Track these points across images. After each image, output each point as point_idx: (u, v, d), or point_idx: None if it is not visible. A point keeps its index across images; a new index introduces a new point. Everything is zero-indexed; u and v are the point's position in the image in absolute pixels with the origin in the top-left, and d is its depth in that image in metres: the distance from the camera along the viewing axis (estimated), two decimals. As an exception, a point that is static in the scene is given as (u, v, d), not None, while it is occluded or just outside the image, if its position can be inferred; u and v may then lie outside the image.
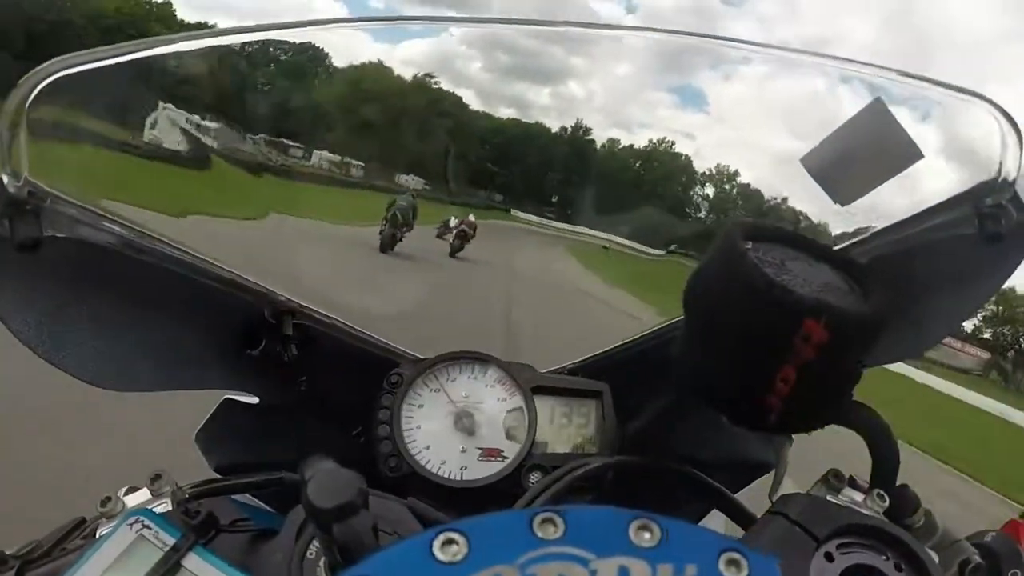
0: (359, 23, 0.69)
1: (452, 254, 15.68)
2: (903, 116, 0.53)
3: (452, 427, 0.65)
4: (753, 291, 0.37)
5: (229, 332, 0.61)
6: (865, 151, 0.56)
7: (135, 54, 0.49)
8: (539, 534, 0.26)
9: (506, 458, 0.64)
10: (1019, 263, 0.52)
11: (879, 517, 0.40)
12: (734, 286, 0.38)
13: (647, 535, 0.27)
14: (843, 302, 0.37)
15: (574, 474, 0.52)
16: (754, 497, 0.60)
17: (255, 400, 0.66)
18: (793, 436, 0.58)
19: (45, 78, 0.43)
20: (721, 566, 0.27)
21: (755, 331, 0.38)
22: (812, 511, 0.39)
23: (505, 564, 0.25)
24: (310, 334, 0.64)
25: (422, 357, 0.70)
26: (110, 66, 0.48)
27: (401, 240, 12.75)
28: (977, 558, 0.40)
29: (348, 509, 0.31)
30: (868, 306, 0.38)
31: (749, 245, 0.39)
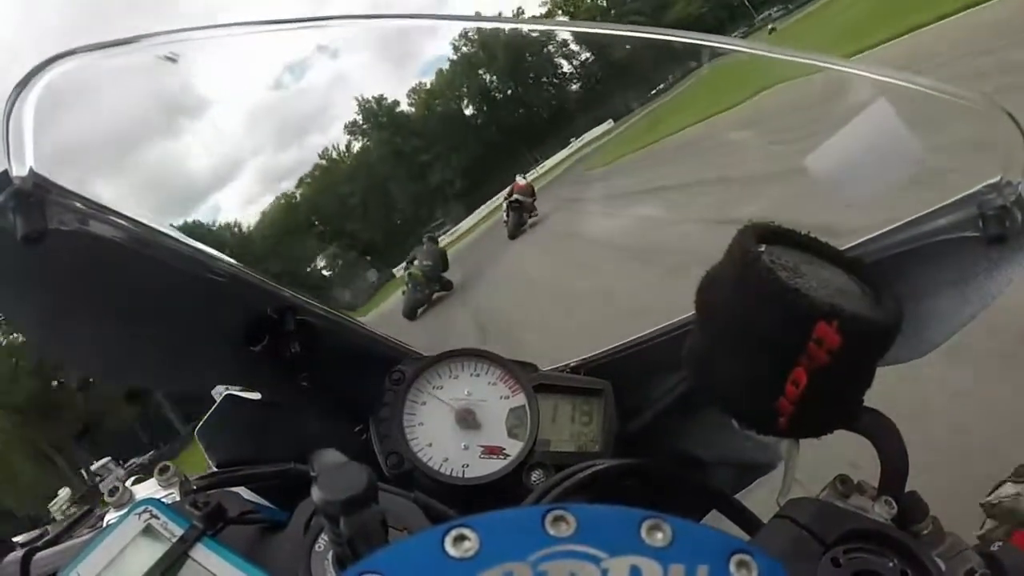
0: (366, 19, 0.68)
1: (512, 236, 13.77)
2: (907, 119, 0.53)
3: (454, 424, 0.65)
4: (767, 294, 0.37)
5: (232, 328, 0.61)
6: (869, 153, 0.56)
7: (140, 45, 0.49)
8: (551, 531, 0.26)
9: (508, 456, 0.64)
10: (1023, 265, 0.53)
11: (887, 523, 0.40)
12: (747, 289, 0.38)
13: (659, 535, 0.27)
14: (856, 306, 0.37)
15: (582, 474, 0.52)
16: (759, 501, 0.60)
17: (257, 396, 0.66)
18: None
19: (51, 69, 0.43)
20: (732, 567, 0.27)
21: (768, 334, 0.37)
22: (820, 516, 0.39)
23: (517, 561, 0.25)
24: (313, 330, 0.64)
25: (424, 354, 0.69)
26: (115, 57, 0.47)
27: (431, 300, 11.12)
28: (983, 567, 0.40)
29: (358, 502, 0.31)
30: (881, 311, 0.38)
31: (763, 248, 0.39)
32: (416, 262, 11.46)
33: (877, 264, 0.54)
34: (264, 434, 0.68)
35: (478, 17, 0.63)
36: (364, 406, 0.67)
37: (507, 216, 14.47)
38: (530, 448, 0.64)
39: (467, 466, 0.63)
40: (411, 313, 11.08)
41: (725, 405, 0.42)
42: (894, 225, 0.55)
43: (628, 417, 0.71)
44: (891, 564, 0.38)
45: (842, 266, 0.42)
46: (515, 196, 14.37)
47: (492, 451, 0.64)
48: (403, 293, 11.64)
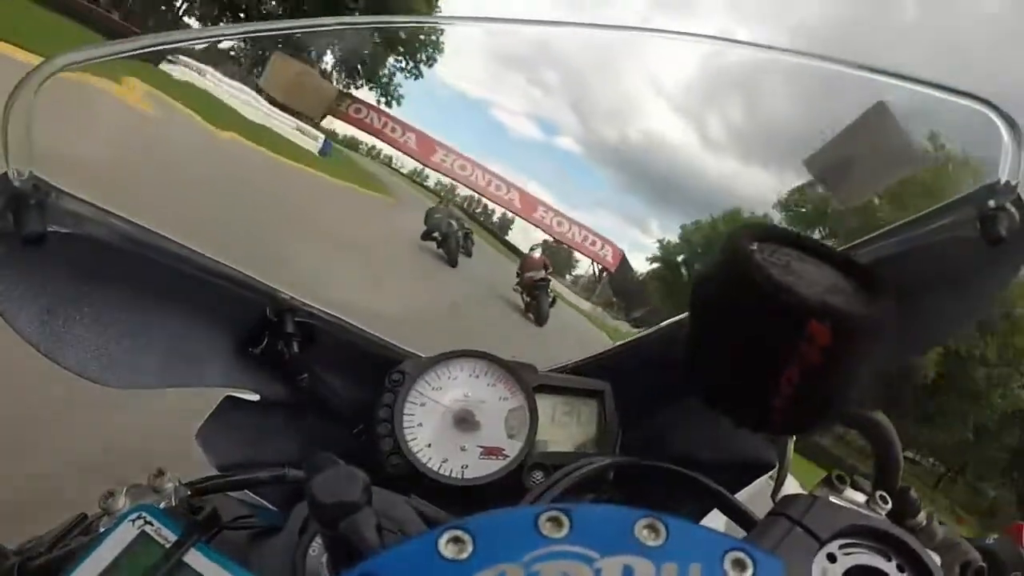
0: (361, 26, 0.69)
1: (541, 323, 10.54)
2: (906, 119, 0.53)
3: (453, 426, 0.65)
4: (759, 293, 0.37)
5: (231, 329, 0.61)
6: (868, 154, 0.56)
7: (139, 47, 0.49)
8: (544, 533, 0.26)
9: (507, 457, 0.64)
10: (1021, 265, 0.53)
11: (882, 518, 0.40)
12: (740, 288, 0.38)
13: (652, 534, 0.27)
14: (848, 305, 0.37)
15: (577, 473, 0.52)
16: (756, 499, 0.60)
17: (256, 397, 0.66)
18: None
19: (51, 72, 0.43)
20: (726, 566, 0.27)
21: (760, 333, 0.37)
22: (815, 512, 0.39)
23: (510, 562, 0.25)
24: (312, 332, 0.64)
25: (423, 355, 0.70)
26: (114, 59, 0.48)
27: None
28: (979, 561, 0.40)
29: (352, 506, 0.31)
30: (872, 309, 0.38)
31: (755, 247, 0.39)
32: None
33: (876, 264, 0.54)
34: (263, 435, 0.68)
35: (493, 19, 0.63)
36: (363, 407, 0.67)
37: (526, 300, 10.63)
38: (529, 449, 0.64)
39: (466, 467, 0.63)
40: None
41: (718, 403, 0.42)
42: (893, 225, 0.55)
43: (628, 418, 0.71)
44: (887, 559, 0.38)
45: (834, 264, 0.42)
46: (531, 274, 10.81)
47: (491, 452, 0.64)
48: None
